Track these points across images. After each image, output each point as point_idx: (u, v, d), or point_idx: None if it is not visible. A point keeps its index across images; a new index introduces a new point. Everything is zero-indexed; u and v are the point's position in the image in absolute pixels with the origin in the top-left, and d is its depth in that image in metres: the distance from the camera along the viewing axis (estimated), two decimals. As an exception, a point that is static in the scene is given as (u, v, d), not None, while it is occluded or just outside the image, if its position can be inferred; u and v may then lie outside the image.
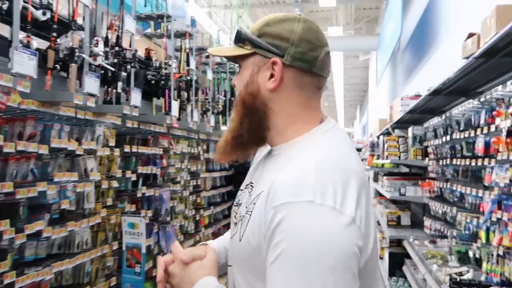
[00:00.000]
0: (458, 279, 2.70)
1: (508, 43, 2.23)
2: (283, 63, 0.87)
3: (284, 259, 0.71)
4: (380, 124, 7.43)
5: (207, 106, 3.83)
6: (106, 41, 2.36)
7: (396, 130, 6.01)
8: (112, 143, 2.48)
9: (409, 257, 4.34)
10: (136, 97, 2.35)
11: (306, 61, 0.88)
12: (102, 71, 2.26)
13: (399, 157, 5.24)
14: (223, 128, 4.32)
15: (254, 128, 0.89)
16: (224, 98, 4.26)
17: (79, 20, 2.17)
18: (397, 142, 5.35)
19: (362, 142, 16.73)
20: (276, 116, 0.89)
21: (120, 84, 2.24)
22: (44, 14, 1.66)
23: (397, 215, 5.06)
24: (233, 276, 0.91)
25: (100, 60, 1.97)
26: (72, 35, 1.89)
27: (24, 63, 1.52)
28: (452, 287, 2.63)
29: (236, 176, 5.18)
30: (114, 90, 2.29)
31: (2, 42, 2.07)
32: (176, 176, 3.53)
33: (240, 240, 0.84)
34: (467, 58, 2.62)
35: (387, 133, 6.31)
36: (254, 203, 0.83)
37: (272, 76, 0.88)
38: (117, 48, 2.29)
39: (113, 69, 2.12)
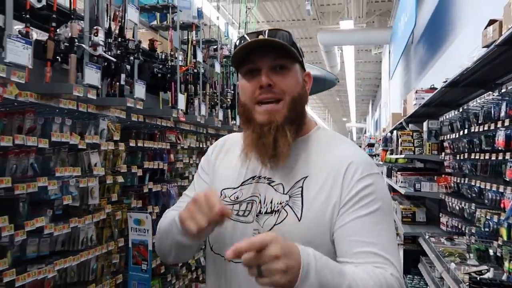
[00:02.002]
0: (478, 278, 2.58)
1: (533, 28, 2.08)
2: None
3: (379, 211, 0.95)
4: (394, 118, 7.26)
5: (216, 100, 3.74)
6: (109, 32, 2.29)
7: (410, 125, 5.85)
8: (116, 137, 2.41)
9: (424, 254, 4.21)
10: (140, 89, 2.27)
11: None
12: (105, 63, 2.19)
13: (414, 152, 5.09)
14: (232, 122, 4.23)
15: (298, 128, 1.05)
16: (232, 92, 4.17)
17: (81, 11, 2.10)
18: (412, 136, 5.20)
19: (374, 138, 16.52)
20: (305, 117, 1.08)
21: (123, 76, 2.16)
22: (39, 1, 1.58)
23: (412, 211, 4.92)
24: None
25: (100, 50, 1.90)
26: (72, 24, 1.81)
27: (18, 52, 1.45)
28: (472, 287, 2.50)
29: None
30: (118, 83, 2.21)
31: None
32: (184, 172, 3.45)
33: (299, 220, 0.97)
34: (487, 46, 2.48)
35: (400, 128, 6.15)
36: (301, 187, 0.99)
37: (304, 85, 1.08)
38: (119, 39, 2.22)
39: (114, 59, 2.04)
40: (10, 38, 1.42)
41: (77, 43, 1.84)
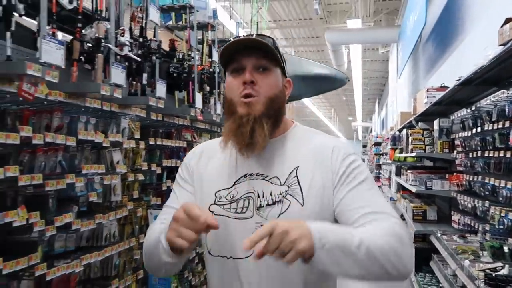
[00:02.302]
0: (493, 275, 2.60)
1: (550, 26, 2.10)
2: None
3: (367, 180, 1.08)
4: (402, 117, 7.26)
5: (229, 99, 3.78)
6: (130, 32, 2.33)
7: (420, 123, 5.86)
8: (137, 135, 2.46)
9: (436, 252, 4.23)
10: (161, 88, 2.32)
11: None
12: (126, 63, 2.23)
13: (425, 150, 5.10)
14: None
15: (274, 126, 1.11)
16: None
17: (102, 12, 2.15)
18: (422, 135, 5.21)
19: (381, 136, 16.48)
20: (282, 116, 1.16)
21: (145, 75, 2.21)
22: (70, 2, 1.63)
23: (423, 209, 4.93)
24: None
25: (126, 50, 1.94)
26: (98, 25, 1.86)
27: (52, 52, 1.49)
28: (488, 283, 2.53)
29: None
30: (139, 83, 2.25)
31: (26, 34, 2.07)
32: (199, 170, 3.50)
33: (302, 205, 1.05)
34: (504, 45, 2.50)
35: (409, 126, 6.16)
36: (296, 176, 1.08)
37: (284, 88, 1.16)
38: (141, 39, 2.26)
39: (139, 59, 2.08)
40: (45, 39, 1.46)
41: (103, 44, 1.89)
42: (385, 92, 19.42)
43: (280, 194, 1.06)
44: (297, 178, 1.07)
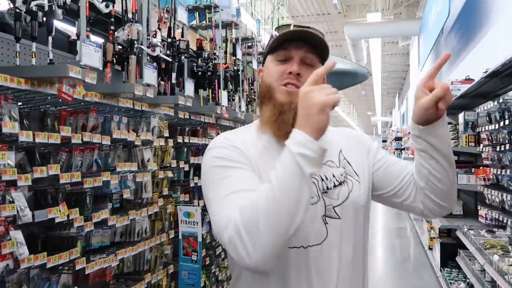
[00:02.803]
0: (524, 270, 2.57)
1: None
2: None
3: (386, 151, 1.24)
4: (425, 111, 7.15)
5: (253, 96, 3.82)
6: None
7: (443, 117, 5.76)
8: (166, 134, 2.52)
9: (462, 247, 4.18)
10: (189, 87, 2.37)
11: None
12: (154, 63, 2.29)
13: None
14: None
15: None
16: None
17: (129, 14, 2.20)
18: (446, 128, 5.12)
19: (401, 131, 16.25)
20: None
21: (174, 75, 2.26)
22: (107, 6, 1.69)
23: (448, 204, 4.85)
24: (358, 223, 1.10)
25: (158, 51, 2.00)
26: (131, 27, 1.91)
27: (91, 55, 1.55)
28: (519, 278, 2.50)
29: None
30: (169, 82, 2.31)
31: (62, 38, 2.15)
32: (224, 167, 3.55)
33: (360, 184, 1.13)
34: (533, 35, 2.45)
35: (433, 120, 6.06)
36: (344, 158, 1.15)
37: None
38: (169, 40, 2.31)
39: (170, 59, 2.14)
40: (84, 42, 1.53)
41: (136, 45, 1.95)
42: (405, 86, 19.11)
43: (341, 175, 1.11)
44: (345, 159, 1.15)
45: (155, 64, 2.08)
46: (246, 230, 0.85)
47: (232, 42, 3.19)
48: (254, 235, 0.85)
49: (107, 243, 2.12)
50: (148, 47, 1.98)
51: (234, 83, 3.23)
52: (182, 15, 2.31)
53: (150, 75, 1.97)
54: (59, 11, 1.56)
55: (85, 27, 1.59)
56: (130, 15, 2.16)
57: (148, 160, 2.35)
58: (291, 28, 1.08)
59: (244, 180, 0.98)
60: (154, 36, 1.96)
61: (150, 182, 2.35)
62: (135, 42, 1.93)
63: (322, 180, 1.08)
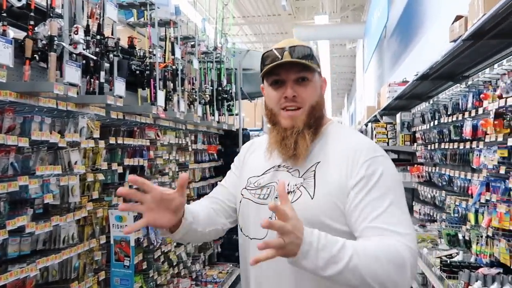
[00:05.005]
0: (448, 262, 2.73)
1: (495, 24, 2.21)
2: None
3: (389, 191, 1.08)
4: (368, 111, 7.44)
5: (194, 96, 3.77)
6: (87, 30, 2.28)
7: (384, 117, 6.02)
8: (96, 135, 2.41)
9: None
10: (120, 87, 2.28)
11: None
12: (84, 61, 2.18)
13: (388, 143, 5.26)
14: (211, 118, 4.26)
15: (317, 128, 1.20)
16: (211, 88, 4.19)
17: (58, 9, 2.09)
18: (385, 128, 5.37)
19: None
20: (323, 115, 1.24)
21: (102, 73, 2.17)
22: (19, 0, 1.58)
23: (386, 201, 5.07)
24: None
25: (80, 48, 1.90)
26: (51, 22, 1.81)
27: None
28: (443, 269, 2.65)
29: (225, 166, 5.13)
30: (97, 81, 2.21)
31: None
32: (164, 168, 3.47)
33: (312, 198, 1.11)
34: (454, 41, 2.61)
35: (375, 121, 6.32)
36: (314, 171, 1.15)
37: (321, 89, 1.24)
38: (98, 37, 2.22)
39: (94, 57, 2.04)
40: (-11, 37, 1.42)
41: (56, 42, 1.84)
42: (354, 87, 19.79)
43: (295, 185, 1.15)
44: (315, 172, 1.14)
45: (78, 62, 1.98)
46: None
47: (171, 41, 3.12)
48: None
49: (27, 252, 1.99)
50: (70, 44, 1.88)
51: (173, 83, 3.16)
52: (111, 12, 2.22)
53: (73, 73, 1.88)
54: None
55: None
56: (59, 10, 2.05)
57: (76, 163, 2.24)
58: (274, 50, 1.17)
59: (224, 179, 1.38)
60: (76, 32, 1.86)
61: (77, 185, 2.24)
62: (55, 38, 1.82)
63: (267, 185, 1.19)
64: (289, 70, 1.15)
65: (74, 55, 2.00)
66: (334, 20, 12.02)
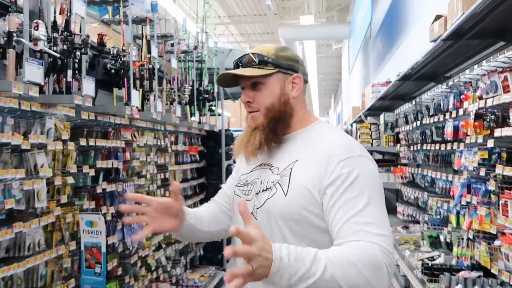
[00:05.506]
0: (429, 264, 2.69)
1: (475, 23, 2.18)
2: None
3: (364, 192, 1.07)
4: (353, 112, 7.43)
5: (173, 96, 3.67)
6: (55, 26, 2.18)
7: (368, 118, 6.00)
8: (65, 136, 2.31)
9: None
10: (88, 86, 2.18)
11: (305, 74, 1.30)
12: (51, 59, 2.08)
13: (372, 144, 5.23)
14: (192, 119, 4.17)
15: (281, 127, 1.24)
16: (191, 88, 4.10)
17: (20, 2, 1.98)
18: (370, 129, 5.34)
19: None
20: (296, 114, 1.26)
21: (69, 72, 2.07)
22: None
23: (370, 202, 5.04)
24: (273, 229, 1.14)
25: (42, 45, 1.80)
26: (9, 17, 1.70)
27: None
28: (424, 272, 2.61)
29: (207, 168, 5.04)
30: (64, 79, 2.11)
31: None
32: (142, 170, 3.37)
33: (285, 195, 1.14)
34: (434, 41, 2.57)
35: (360, 121, 6.30)
36: (291, 168, 1.17)
37: (293, 87, 1.25)
38: (65, 33, 2.11)
39: (57, 55, 1.94)
40: None
41: (16, 38, 1.74)
42: (340, 87, 19.86)
43: (272, 182, 1.19)
44: (291, 170, 1.17)
45: (41, 60, 1.87)
46: None
47: (147, 39, 3.02)
48: None
49: (-13, 261, 1.88)
50: (31, 41, 1.78)
51: (149, 82, 3.06)
52: (79, 7, 2.12)
53: (34, 71, 1.77)
54: None
55: None
56: (19, 4, 1.94)
57: (42, 166, 2.13)
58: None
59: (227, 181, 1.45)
60: (36, 28, 1.76)
61: (44, 189, 2.13)
62: (14, 34, 1.72)
63: (261, 182, 1.23)
64: (243, 77, 1.23)
65: (38, 53, 1.90)
66: (320, 20, 12.02)
